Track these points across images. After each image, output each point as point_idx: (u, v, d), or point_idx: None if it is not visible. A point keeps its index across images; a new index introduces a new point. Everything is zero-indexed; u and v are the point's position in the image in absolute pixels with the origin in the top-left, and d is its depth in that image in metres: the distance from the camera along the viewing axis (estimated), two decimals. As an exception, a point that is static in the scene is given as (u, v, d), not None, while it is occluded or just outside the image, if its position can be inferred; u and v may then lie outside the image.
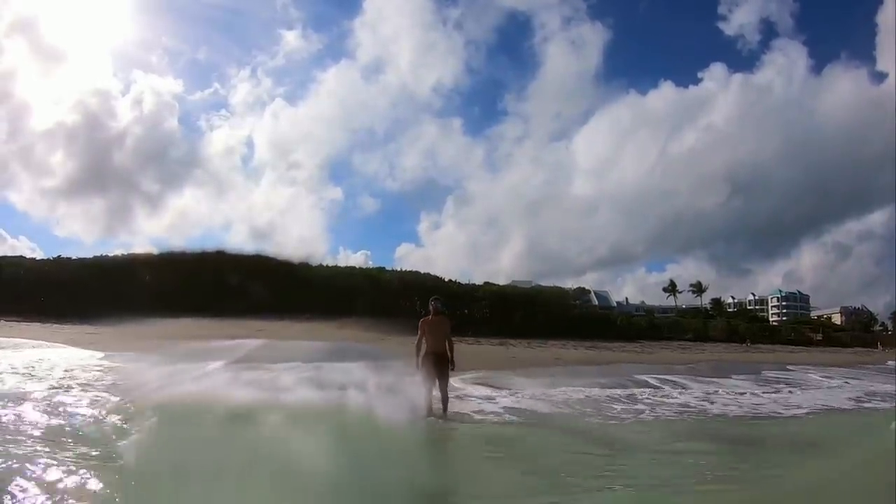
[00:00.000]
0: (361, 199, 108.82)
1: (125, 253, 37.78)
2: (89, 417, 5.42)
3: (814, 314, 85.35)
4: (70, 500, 3.11)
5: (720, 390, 11.80)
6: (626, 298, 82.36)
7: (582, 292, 66.07)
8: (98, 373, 9.22)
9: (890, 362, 29.34)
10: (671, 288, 77.63)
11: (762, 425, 7.82)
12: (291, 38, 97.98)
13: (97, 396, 6.66)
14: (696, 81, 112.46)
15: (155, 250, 42.38)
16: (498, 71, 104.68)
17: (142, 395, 6.64)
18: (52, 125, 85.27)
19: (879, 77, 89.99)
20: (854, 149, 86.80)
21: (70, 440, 4.44)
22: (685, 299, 77.43)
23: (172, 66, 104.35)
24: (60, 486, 3.27)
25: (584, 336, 34.44)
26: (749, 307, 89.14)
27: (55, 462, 3.67)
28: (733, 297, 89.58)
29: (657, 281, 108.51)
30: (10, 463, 3.61)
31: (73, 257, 35.98)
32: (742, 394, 11.29)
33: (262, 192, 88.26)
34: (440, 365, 7.04)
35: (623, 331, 41.89)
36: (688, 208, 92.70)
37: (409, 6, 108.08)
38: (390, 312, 26.94)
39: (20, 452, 3.87)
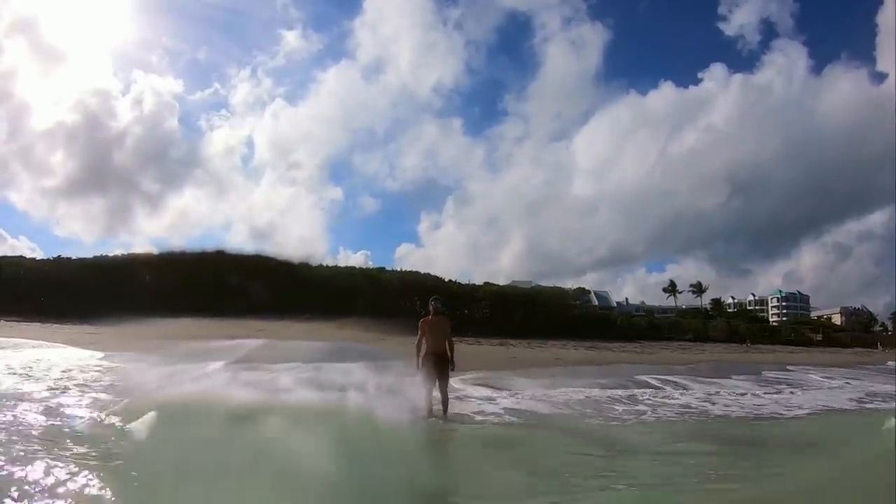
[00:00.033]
0: (361, 199, 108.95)
1: (125, 253, 37.84)
2: (86, 418, 5.39)
3: (814, 314, 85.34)
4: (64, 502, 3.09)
5: (721, 391, 11.78)
6: (626, 299, 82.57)
7: (582, 292, 66.08)
8: (97, 373, 9.20)
9: (890, 363, 29.33)
10: (671, 288, 77.73)
11: (764, 426, 7.80)
12: (291, 38, 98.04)
13: (95, 397, 6.64)
14: (697, 82, 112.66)
15: (155, 250, 42.39)
16: (498, 71, 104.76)
17: (140, 396, 6.62)
18: (52, 125, 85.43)
19: (879, 77, 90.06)
20: (854, 149, 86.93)
21: (67, 442, 4.40)
22: (685, 299, 77.60)
23: (172, 66, 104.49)
24: (55, 488, 3.24)
25: (584, 336, 34.44)
26: (749, 307, 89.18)
27: (50, 464, 3.63)
28: (733, 298, 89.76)
29: (657, 281, 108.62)
30: (2, 464, 3.58)
31: (73, 257, 36.05)
32: (743, 394, 11.27)
33: (263, 192, 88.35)
34: (440, 365, 7.01)
35: (623, 331, 41.89)
36: (688, 208, 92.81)
37: (410, 6, 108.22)
38: (390, 312, 26.93)
39: (14, 454, 3.84)
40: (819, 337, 58.36)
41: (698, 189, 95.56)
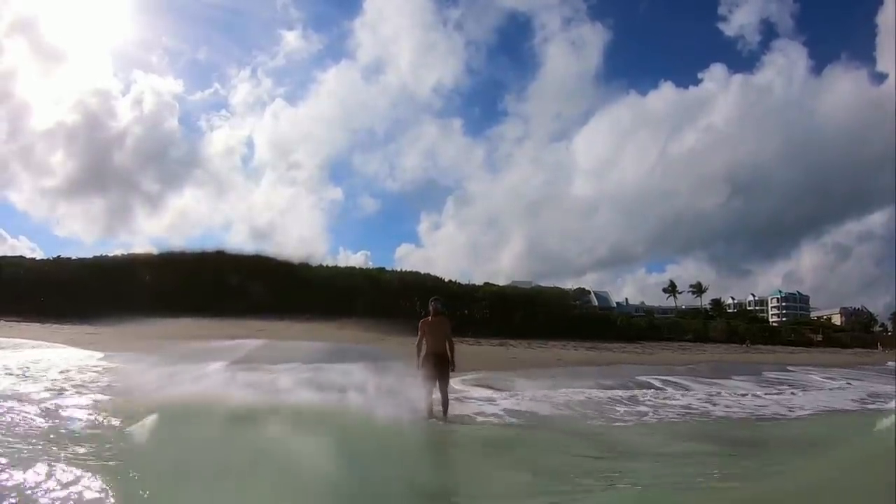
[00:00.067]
0: (361, 200, 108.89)
1: (125, 253, 37.84)
2: (83, 420, 5.35)
3: (814, 315, 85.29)
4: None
5: (722, 392, 11.77)
6: (626, 299, 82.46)
7: (582, 293, 66.06)
8: (95, 374, 9.17)
9: (890, 363, 29.33)
10: (671, 288, 77.61)
11: (766, 427, 7.79)
12: (292, 39, 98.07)
13: (92, 398, 6.59)
14: (697, 82, 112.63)
15: (155, 250, 42.37)
16: (498, 71, 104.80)
17: (139, 397, 6.59)
18: (52, 125, 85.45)
19: (879, 78, 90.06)
20: (854, 149, 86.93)
21: (63, 443, 4.36)
22: (685, 300, 77.48)
23: (173, 66, 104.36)
24: (49, 491, 3.19)
25: (584, 337, 34.46)
26: (749, 308, 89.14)
27: (44, 466, 3.57)
28: (733, 298, 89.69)
29: (657, 281, 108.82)
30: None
31: (73, 257, 36.11)
32: (744, 395, 11.25)
33: (263, 193, 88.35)
34: (440, 366, 6.98)
35: (623, 331, 41.90)
36: (688, 209, 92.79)
37: (410, 6, 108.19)
38: (390, 313, 26.93)
39: (8, 456, 3.79)
40: (819, 337, 58.36)
41: (698, 189, 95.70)
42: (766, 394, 11.71)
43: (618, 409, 8.65)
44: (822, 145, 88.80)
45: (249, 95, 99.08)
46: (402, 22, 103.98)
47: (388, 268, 42.13)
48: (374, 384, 7.24)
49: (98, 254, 37.01)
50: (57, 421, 5.22)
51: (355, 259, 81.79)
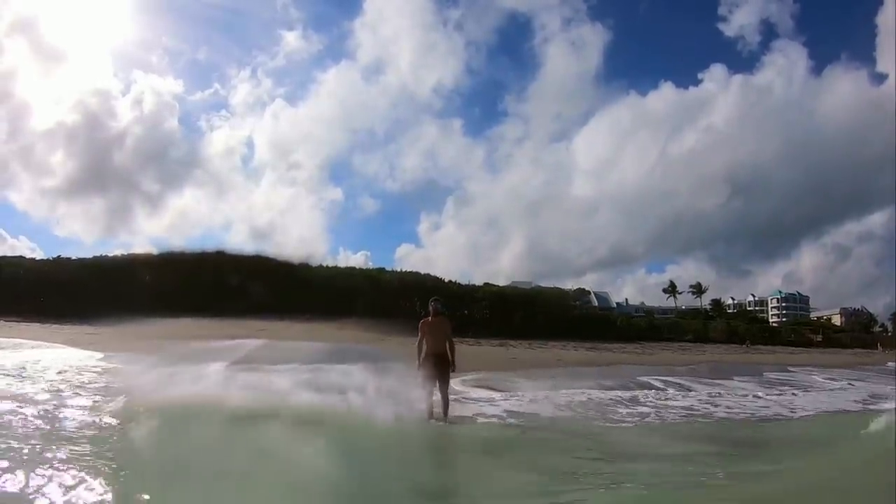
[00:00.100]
0: (361, 200, 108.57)
1: (125, 253, 37.83)
2: (78, 421, 5.28)
3: (813, 315, 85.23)
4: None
5: (724, 393, 11.75)
6: (626, 299, 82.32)
7: (582, 293, 66.01)
8: (93, 374, 9.14)
9: (890, 364, 29.33)
10: (671, 289, 77.51)
11: (770, 428, 7.76)
12: (292, 39, 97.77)
13: (89, 399, 6.53)
14: (696, 82, 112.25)
15: (155, 250, 42.34)
16: (498, 72, 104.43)
17: (137, 398, 6.55)
18: (52, 125, 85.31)
19: (879, 78, 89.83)
20: (854, 150, 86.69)
21: (58, 445, 4.28)
22: (685, 300, 77.38)
23: (173, 66, 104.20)
24: (40, 493, 3.15)
25: (584, 337, 34.49)
26: (749, 308, 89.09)
27: (35, 469, 3.52)
28: (733, 299, 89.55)
29: (657, 282, 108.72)
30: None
31: (73, 257, 36.11)
32: (746, 396, 11.22)
33: (263, 193, 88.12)
34: (440, 367, 6.95)
35: (623, 332, 41.91)
36: (688, 209, 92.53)
37: (410, 7, 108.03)
38: (390, 313, 26.93)
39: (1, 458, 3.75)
40: (819, 338, 58.34)
41: (698, 190, 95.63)
42: (767, 395, 11.68)
43: (619, 410, 8.62)
44: (822, 146, 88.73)
45: (249, 96, 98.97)
46: (402, 22, 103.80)
47: (388, 268, 42.27)
48: (374, 385, 7.20)
49: (98, 254, 37.13)
50: (52, 422, 5.16)
51: (355, 259, 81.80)
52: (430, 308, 7.33)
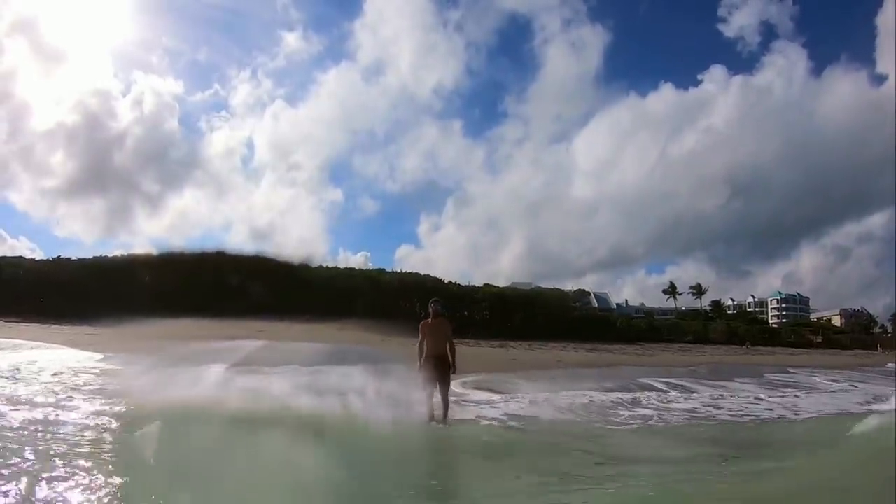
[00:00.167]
0: (361, 201, 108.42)
1: (125, 253, 37.79)
2: (73, 424, 5.19)
3: (813, 316, 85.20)
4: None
5: (726, 394, 11.70)
6: (626, 300, 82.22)
7: (582, 294, 66.02)
8: (89, 376, 9.06)
9: (890, 365, 29.34)
10: (671, 290, 77.54)
11: (773, 430, 7.73)
12: (292, 40, 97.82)
13: (82, 403, 6.42)
14: (696, 83, 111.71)
15: (155, 251, 42.29)
16: (498, 73, 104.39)
17: (134, 401, 6.51)
18: (52, 125, 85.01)
19: (879, 79, 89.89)
20: (854, 151, 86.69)
21: (50, 448, 4.23)
22: (685, 301, 77.40)
23: (173, 66, 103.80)
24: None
25: (584, 338, 34.48)
26: (749, 309, 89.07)
27: (20, 474, 3.48)
28: (733, 300, 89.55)
29: (657, 283, 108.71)
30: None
31: (73, 258, 36.07)
32: (749, 398, 11.18)
33: (263, 193, 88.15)
34: (441, 369, 6.91)
35: (623, 333, 41.88)
36: (688, 210, 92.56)
37: (410, 8, 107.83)
38: (390, 314, 26.91)
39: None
40: (819, 339, 58.31)
41: (698, 191, 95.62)
42: (769, 397, 11.63)
43: (621, 412, 8.57)
44: (822, 147, 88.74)
45: (249, 96, 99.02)
46: (402, 23, 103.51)
47: (388, 269, 42.26)
48: (374, 388, 7.19)
49: (98, 254, 37.09)
50: (44, 426, 5.07)
51: (355, 260, 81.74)
52: (430, 309, 7.29)
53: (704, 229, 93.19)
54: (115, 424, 5.26)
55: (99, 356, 12.22)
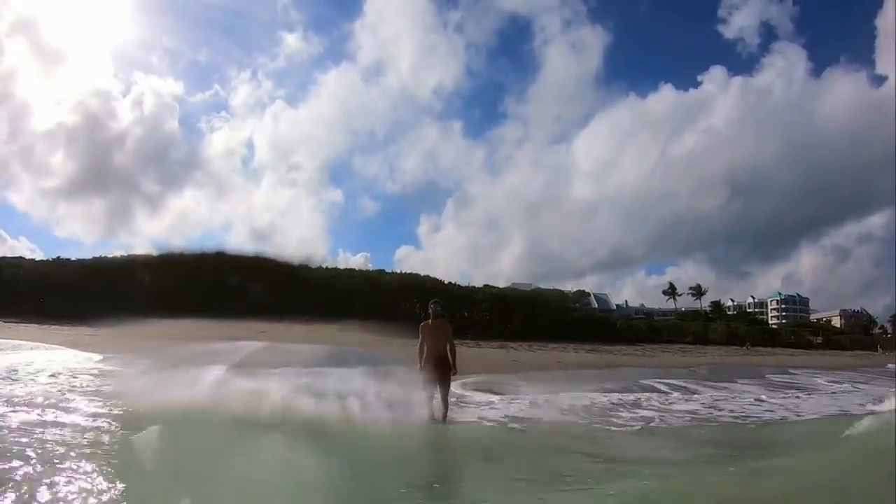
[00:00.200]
0: (361, 201, 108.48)
1: (125, 254, 37.72)
2: (64, 429, 5.08)
3: (813, 317, 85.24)
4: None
5: (728, 396, 11.68)
6: (626, 301, 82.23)
7: (582, 295, 66.01)
8: (87, 378, 9.02)
9: (890, 365, 29.34)
10: (671, 291, 77.53)
11: (776, 431, 7.72)
12: (292, 41, 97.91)
13: (80, 405, 6.37)
14: (696, 84, 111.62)
15: (155, 251, 42.18)
16: (498, 74, 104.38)
17: (131, 403, 6.47)
18: (52, 126, 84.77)
19: (879, 80, 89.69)
20: (854, 151, 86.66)
21: (49, 451, 4.17)
22: (685, 302, 77.37)
23: (173, 67, 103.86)
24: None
25: (584, 339, 34.47)
26: (748, 310, 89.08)
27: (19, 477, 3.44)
28: (733, 300, 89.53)
29: (657, 284, 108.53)
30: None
31: (73, 258, 35.99)
32: (750, 399, 11.16)
33: (263, 194, 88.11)
34: (441, 370, 6.90)
35: (623, 334, 41.83)
36: (687, 211, 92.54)
37: (410, 9, 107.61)
38: (390, 314, 26.90)
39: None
40: (819, 339, 58.30)
41: (698, 191, 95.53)
42: (772, 398, 11.61)
43: (622, 414, 8.55)
44: (822, 147, 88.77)
45: (250, 97, 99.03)
46: (402, 24, 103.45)
47: (388, 269, 42.24)
48: (374, 390, 7.17)
49: (98, 255, 37.04)
50: (43, 427, 5.03)
51: (355, 261, 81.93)
52: (431, 310, 7.28)
53: (704, 230, 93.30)
54: (112, 427, 5.21)
55: (98, 357, 12.20)
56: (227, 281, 31.10)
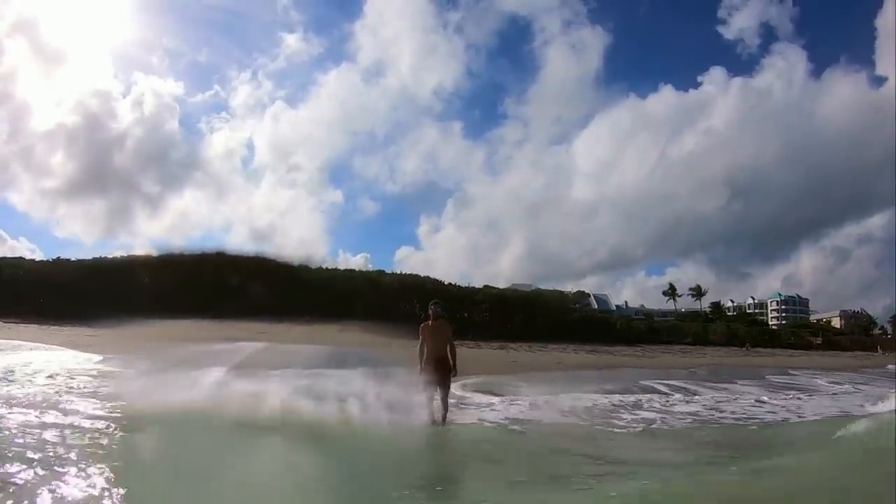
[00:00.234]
0: (361, 202, 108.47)
1: (125, 254, 37.71)
2: (59, 430, 5.01)
3: (813, 318, 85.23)
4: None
5: (729, 397, 11.67)
6: (626, 302, 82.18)
7: (582, 296, 66.00)
8: (85, 378, 9.00)
9: (890, 366, 29.31)
10: (671, 291, 77.45)
11: (777, 432, 7.70)
12: (292, 41, 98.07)
13: (77, 406, 6.32)
14: (696, 85, 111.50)
15: (155, 252, 42.15)
16: (498, 74, 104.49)
17: (128, 405, 6.44)
18: (52, 126, 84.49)
19: (879, 81, 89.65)
20: (854, 152, 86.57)
21: (46, 453, 4.13)
22: (684, 303, 77.29)
23: (173, 67, 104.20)
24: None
25: (583, 339, 34.48)
26: (748, 311, 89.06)
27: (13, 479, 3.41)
28: (733, 301, 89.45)
29: (657, 284, 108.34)
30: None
31: (73, 259, 36.00)
32: (751, 400, 11.14)
33: (263, 195, 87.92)
34: (442, 371, 6.88)
35: (623, 334, 41.83)
36: (687, 212, 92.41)
37: (410, 9, 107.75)
38: (390, 315, 26.89)
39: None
40: (818, 340, 58.31)
41: (698, 192, 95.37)
42: (772, 399, 11.60)
43: (623, 415, 8.53)
44: (822, 148, 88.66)
45: (250, 97, 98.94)
46: (402, 25, 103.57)
47: (388, 270, 42.26)
48: (374, 391, 7.15)
49: (98, 255, 37.06)
50: (42, 428, 4.98)
51: (355, 261, 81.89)
52: (430, 311, 7.26)
53: (704, 231, 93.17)
54: (110, 429, 5.18)
55: (98, 357, 12.18)
56: (227, 281, 31.11)
